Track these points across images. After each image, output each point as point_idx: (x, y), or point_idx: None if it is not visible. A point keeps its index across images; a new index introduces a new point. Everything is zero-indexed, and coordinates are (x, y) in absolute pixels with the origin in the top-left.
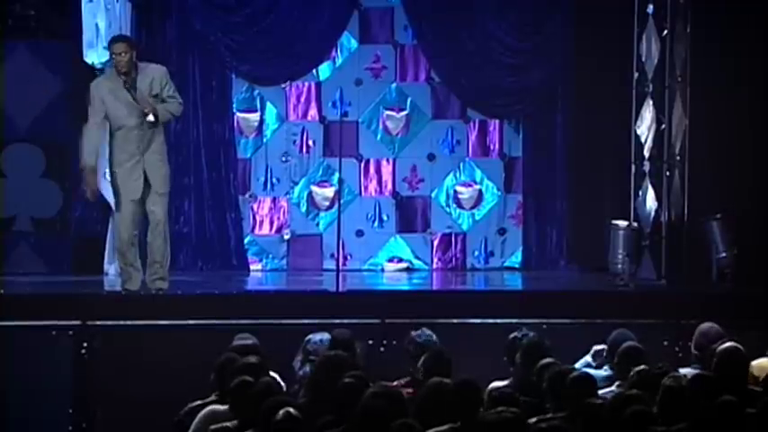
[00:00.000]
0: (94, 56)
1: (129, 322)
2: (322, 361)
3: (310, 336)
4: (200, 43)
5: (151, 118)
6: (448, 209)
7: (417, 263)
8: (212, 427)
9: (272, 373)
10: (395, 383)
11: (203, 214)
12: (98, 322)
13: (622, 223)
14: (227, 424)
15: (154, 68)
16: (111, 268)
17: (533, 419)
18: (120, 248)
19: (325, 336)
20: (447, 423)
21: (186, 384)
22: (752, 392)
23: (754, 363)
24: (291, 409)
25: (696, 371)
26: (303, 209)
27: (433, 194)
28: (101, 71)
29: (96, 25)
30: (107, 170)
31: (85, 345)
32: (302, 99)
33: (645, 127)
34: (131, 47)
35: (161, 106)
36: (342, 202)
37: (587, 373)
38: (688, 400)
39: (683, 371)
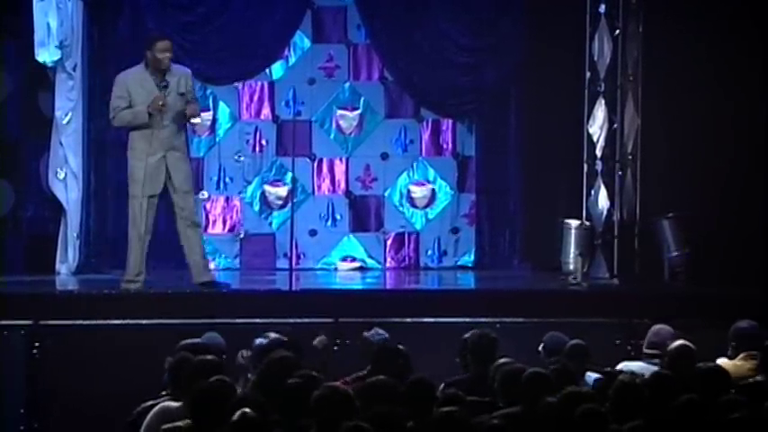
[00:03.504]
0: (46, 54)
1: (81, 322)
2: (269, 362)
3: (260, 339)
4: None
5: (198, 120)
6: (401, 208)
7: (370, 262)
8: (164, 426)
9: None
10: (344, 380)
11: (158, 214)
12: (50, 322)
13: (574, 222)
14: (180, 423)
15: (180, 69)
16: (62, 267)
17: (487, 416)
18: (134, 249)
19: (273, 336)
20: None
21: (139, 384)
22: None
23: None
24: (248, 410)
25: (646, 365)
26: (256, 208)
27: (386, 194)
28: (52, 70)
29: (48, 24)
30: (59, 169)
31: (37, 344)
32: (255, 98)
33: (597, 126)
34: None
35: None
36: (295, 201)
37: (541, 372)
38: (644, 397)
39: (631, 365)
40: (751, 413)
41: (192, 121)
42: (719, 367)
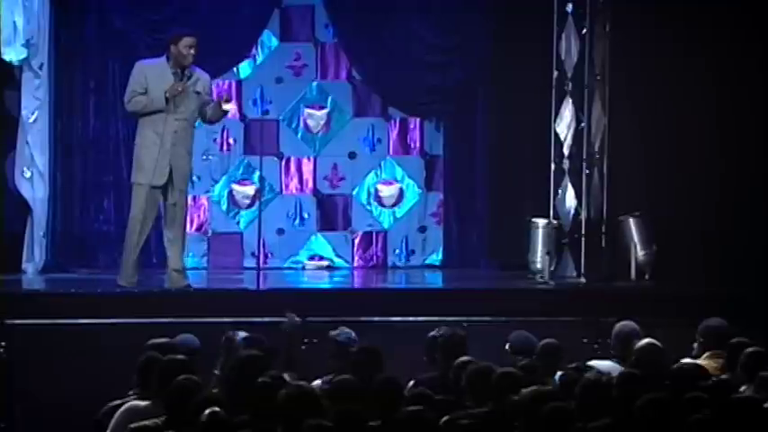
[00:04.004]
0: (12, 53)
1: (48, 321)
2: (237, 361)
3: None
4: (121, 41)
5: (230, 106)
6: (369, 207)
7: (338, 261)
8: (132, 425)
9: None
10: (315, 383)
11: (123, 212)
12: (17, 321)
13: (542, 221)
14: (148, 423)
15: (200, 71)
16: (29, 266)
17: (453, 415)
18: (130, 239)
19: (243, 334)
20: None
21: (106, 383)
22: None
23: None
24: (217, 409)
25: (616, 365)
26: (224, 207)
27: (353, 192)
28: (19, 68)
29: (14, 22)
30: (25, 168)
31: (4, 344)
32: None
33: (564, 125)
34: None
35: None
36: (262, 200)
37: (512, 372)
38: (611, 396)
39: (600, 364)
40: (718, 412)
41: (225, 107)
42: (695, 365)
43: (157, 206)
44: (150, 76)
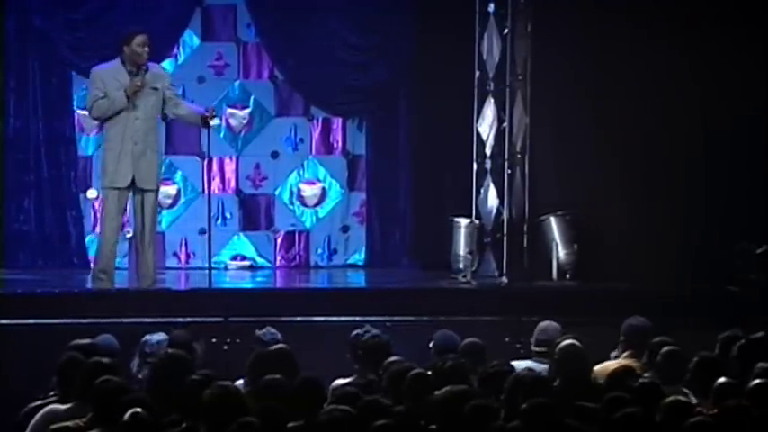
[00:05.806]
0: None
1: None
2: (161, 361)
3: (147, 337)
4: (40, 40)
5: (215, 122)
6: (291, 206)
7: (261, 261)
8: (52, 426)
9: None
10: (237, 383)
11: (43, 212)
12: None
13: (464, 221)
14: (69, 423)
15: (158, 68)
16: None
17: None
18: (104, 245)
19: (162, 336)
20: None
21: (26, 384)
22: (597, 386)
23: (596, 368)
24: (139, 410)
25: (535, 364)
26: None
27: (276, 192)
28: None
29: None
30: None
31: None
32: None
33: (486, 125)
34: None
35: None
36: (184, 200)
37: (425, 372)
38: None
39: (522, 363)
40: (636, 412)
41: (212, 122)
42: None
43: (125, 208)
44: (107, 79)
